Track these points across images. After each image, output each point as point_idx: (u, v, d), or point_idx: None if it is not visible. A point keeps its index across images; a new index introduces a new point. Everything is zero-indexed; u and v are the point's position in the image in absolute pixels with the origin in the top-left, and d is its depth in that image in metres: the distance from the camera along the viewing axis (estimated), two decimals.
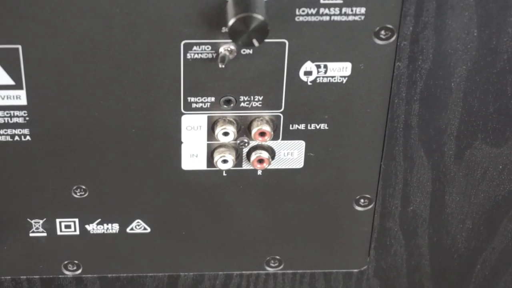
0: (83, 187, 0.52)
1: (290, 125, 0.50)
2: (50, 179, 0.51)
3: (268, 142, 0.51)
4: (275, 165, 0.52)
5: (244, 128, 0.50)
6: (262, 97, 0.49)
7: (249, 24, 0.43)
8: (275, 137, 0.51)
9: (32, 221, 0.54)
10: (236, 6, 0.43)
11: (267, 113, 0.50)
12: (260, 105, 0.49)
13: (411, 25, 0.47)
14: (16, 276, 0.56)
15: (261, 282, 0.58)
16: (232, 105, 0.49)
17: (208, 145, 0.51)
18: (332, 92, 0.49)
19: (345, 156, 0.52)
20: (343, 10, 0.45)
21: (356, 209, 0.54)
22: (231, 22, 0.43)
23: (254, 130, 0.50)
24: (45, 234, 0.54)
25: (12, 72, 0.47)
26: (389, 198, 0.54)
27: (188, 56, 0.47)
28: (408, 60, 0.48)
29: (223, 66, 0.46)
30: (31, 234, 0.54)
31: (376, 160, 0.52)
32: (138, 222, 0.54)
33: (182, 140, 0.50)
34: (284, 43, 0.47)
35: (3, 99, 0.48)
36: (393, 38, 0.47)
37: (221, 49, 0.46)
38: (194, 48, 0.46)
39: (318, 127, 0.50)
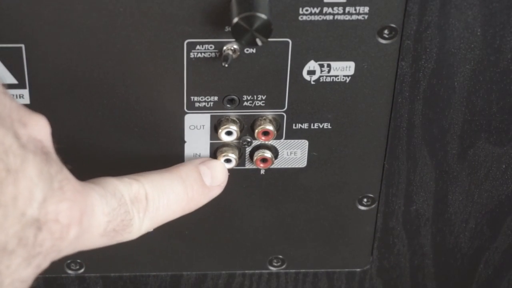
0: None
1: (293, 125, 0.50)
2: None
3: (271, 142, 0.51)
4: (278, 164, 0.52)
5: (247, 127, 0.50)
6: (265, 96, 0.49)
7: (252, 23, 0.43)
8: (278, 137, 0.51)
9: None
10: (239, 5, 0.43)
11: (270, 113, 0.50)
12: (263, 104, 0.49)
13: (415, 25, 0.47)
14: None
15: (264, 281, 0.58)
16: (235, 104, 0.49)
17: (211, 144, 0.51)
18: (335, 91, 0.49)
19: (348, 155, 0.52)
20: (347, 9, 0.45)
21: (359, 208, 0.54)
22: (234, 21, 0.43)
23: (257, 130, 0.50)
24: None
25: (15, 71, 0.47)
26: (392, 198, 0.54)
27: (191, 55, 0.47)
28: (412, 59, 0.48)
29: (227, 65, 0.46)
30: None
31: (379, 160, 0.52)
32: None
33: (185, 139, 0.50)
34: (288, 42, 0.47)
35: None
36: (397, 38, 0.47)
37: (225, 48, 0.46)
38: (198, 47, 0.46)
39: (321, 126, 0.50)
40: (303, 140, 0.51)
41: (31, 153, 0.35)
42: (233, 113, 0.49)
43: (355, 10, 0.46)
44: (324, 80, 0.48)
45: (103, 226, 0.41)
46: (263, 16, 0.43)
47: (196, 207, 0.47)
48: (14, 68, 0.47)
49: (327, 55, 0.47)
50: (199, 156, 0.51)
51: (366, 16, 0.46)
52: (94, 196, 0.40)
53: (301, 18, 0.46)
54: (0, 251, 0.34)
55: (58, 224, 0.37)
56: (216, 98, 0.49)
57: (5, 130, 0.35)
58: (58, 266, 0.56)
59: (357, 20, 0.46)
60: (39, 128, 0.37)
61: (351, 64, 0.48)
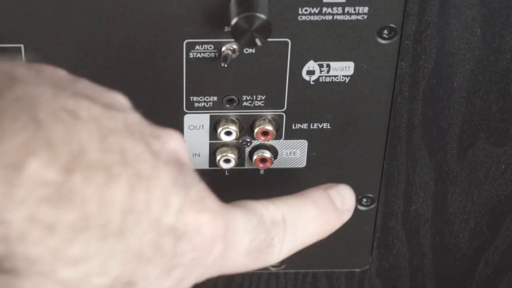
0: None
1: (293, 125, 0.50)
2: None
3: (271, 142, 0.51)
4: (277, 164, 0.52)
5: (246, 127, 0.50)
6: (264, 96, 0.49)
7: (252, 23, 0.43)
8: (277, 137, 0.51)
9: None
10: (239, 5, 0.43)
11: (269, 113, 0.50)
12: (262, 105, 0.49)
13: (414, 25, 0.47)
14: None
15: (264, 281, 0.58)
16: (234, 104, 0.49)
17: (211, 144, 0.51)
18: (334, 91, 0.49)
19: (348, 155, 0.52)
20: (346, 9, 0.45)
21: (359, 208, 0.54)
22: (233, 21, 0.43)
23: (256, 130, 0.50)
24: None
25: None
26: (392, 198, 0.54)
27: (191, 55, 0.47)
28: (411, 59, 0.48)
29: (226, 65, 0.46)
30: None
31: (379, 160, 0.52)
32: None
33: (185, 139, 0.50)
34: (287, 42, 0.47)
35: None
36: (396, 38, 0.47)
37: (224, 48, 0.46)
38: (197, 47, 0.46)
39: (320, 126, 0.50)
40: (302, 140, 0.51)
41: (163, 161, 0.35)
42: (232, 113, 0.49)
43: (355, 10, 0.46)
44: (323, 80, 0.48)
45: (247, 244, 0.39)
46: (263, 16, 0.43)
47: (330, 231, 0.45)
48: None
49: (326, 55, 0.47)
50: (199, 156, 0.51)
51: (365, 16, 0.46)
52: (235, 212, 0.39)
53: (301, 18, 0.46)
54: (135, 259, 0.33)
55: (200, 236, 0.35)
56: (215, 98, 0.49)
57: (136, 140, 0.34)
58: None
59: (357, 20, 0.46)
60: (174, 141, 0.37)
61: (351, 64, 0.48)
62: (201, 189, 0.36)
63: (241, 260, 0.39)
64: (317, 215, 0.44)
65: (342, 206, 0.45)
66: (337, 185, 0.46)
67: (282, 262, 0.57)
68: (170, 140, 0.37)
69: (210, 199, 0.37)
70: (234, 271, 0.40)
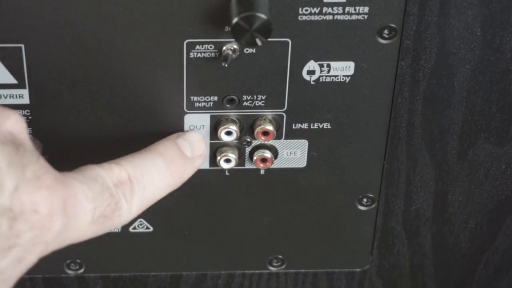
0: None
1: (293, 125, 0.50)
2: None
3: (271, 142, 0.51)
4: (278, 164, 0.52)
5: (247, 127, 0.50)
6: (265, 96, 0.49)
7: (252, 23, 0.43)
8: (278, 137, 0.51)
9: None
10: (239, 5, 0.43)
11: (270, 112, 0.50)
12: (263, 104, 0.49)
13: (415, 25, 0.47)
14: None
15: (264, 281, 0.58)
16: (235, 104, 0.49)
17: (211, 144, 0.51)
18: (335, 91, 0.49)
19: (348, 155, 0.52)
20: (346, 9, 0.45)
21: (359, 208, 0.54)
22: (234, 21, 0.43)
23: (257, 130, 0.50)
24: None
25: (15, 71, 0.47)
26: (392, 198, 0.54)
27: (191, 55, 0.47)
28: (412, 59, 0.48)
29: (226, 65, 0.46)
30: None
31: (379, 160, 0.52)
32: (140, 221, 0.54)
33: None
34: (287, 42, 0.47)
35: (5, 98, 0.48)
36: (396, 37, 0.47)
37: (224, 48, 0.46)
38: (197, 47, 0.46)
39: (321, 126, 0.50)
40: (302, 140, 0.51)
41: None
42: (232, 113, 0.49)
43: (355, 10, 0.46)
44: (324, 80, 0.48)
45: (90, 213, 0.39)
46: (263, 16, 0.43)
47: (182, 180, 0.46)
48: (14, 68, 0.47)
49: (326, 55, 0.47)
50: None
51: (365, 16, 0.46)
52: (75, 183, 0.39)
53: (301, 18, 0.46)
54: None
55: (37, 215, 0.36)
56: (215, 98, 0.49)
57: None
58: (57, 266, 0.56)
59: (357, 20, 0.46)
60: (11, 122, 0.37)
61: (351, 64, 0.48)
62: (38, 168, 0.36)
63: (86, 229, 0.39)
64: (165, 167, 0.45)
65: (192, 153, 0.46)
66: (185, 133, 0.47)
67: (283, 262, 0.57)
68: (7, 120, 0.37)
69: (47, 176, 0.37)
70: (81, 239, 0.40)
